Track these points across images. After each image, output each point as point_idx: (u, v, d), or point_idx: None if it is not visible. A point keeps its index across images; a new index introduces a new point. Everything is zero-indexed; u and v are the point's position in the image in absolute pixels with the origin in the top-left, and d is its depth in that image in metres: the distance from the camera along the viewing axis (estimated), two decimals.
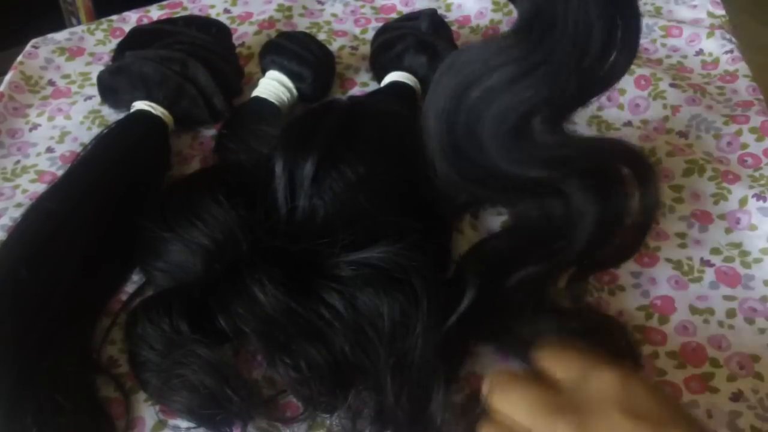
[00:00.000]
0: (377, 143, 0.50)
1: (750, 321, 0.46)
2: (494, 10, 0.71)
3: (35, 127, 0.62)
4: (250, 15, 0.73)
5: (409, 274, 0.41)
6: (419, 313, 0.40)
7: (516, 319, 0.43)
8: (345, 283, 0.42)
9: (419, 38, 0.60)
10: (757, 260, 0.50)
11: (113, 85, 0.59)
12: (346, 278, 0.42)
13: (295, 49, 0.59)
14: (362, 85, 0.65)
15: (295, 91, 0.59)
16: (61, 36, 0.71)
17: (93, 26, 0.72)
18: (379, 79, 0.62)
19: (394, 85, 0.59)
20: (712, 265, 0.49)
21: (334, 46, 0.68)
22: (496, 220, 0.53)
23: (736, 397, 0.43)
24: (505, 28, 0.70)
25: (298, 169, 0.47)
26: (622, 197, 0.40)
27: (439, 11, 0.72)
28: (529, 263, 0.43)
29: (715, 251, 0.50)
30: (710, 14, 0.69)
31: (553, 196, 0.42)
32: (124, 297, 0.49)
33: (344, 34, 0.70)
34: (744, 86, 0.62)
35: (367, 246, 0.43)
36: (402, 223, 0.45)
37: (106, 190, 0.52)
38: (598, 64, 0.37)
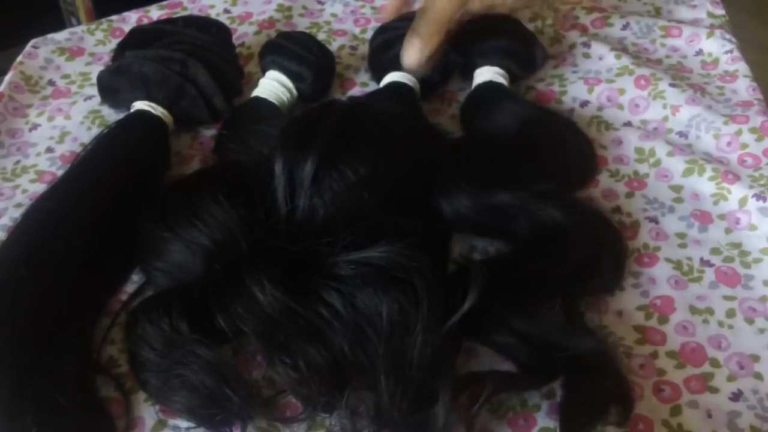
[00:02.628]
0: (378, 143, 0.50)
1: (750, 321, 0.46)
2: None
3: (35, 127, 0.62)
4: (250, 15, 0.73)
5: (409, 273, 0.42)
6: (419, 313, 0.40)
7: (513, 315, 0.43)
8: (345, 282, 0.42)
9: None
10: (757, 260, 0.50)
11: (113, 85, 0.60)
12: (346, 277, 0.42)
13: (295, 50, 0.59)
14: (362, 85, 0.65)
15: (295, 91, 0.59)
16: (61, 36, 0.71)
17: (93, 26, 0.72)
18: (378, 79, 0.62)
19: (394, 85, 0.59)
20: (711, 265, 0.49)
21: (333, 46, 0.68)
22: None
23: (736, 397, 0.43)
24: None
25: (298, 168, 0.47)
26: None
27: None
28: (527, 274, 0.45)
29: (715, 251, 0.50)
30: (710, 14, 0.69)
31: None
32: (124, 297, 0.49)
33: (344, 34, 0.70)
34: (744, 86, 0.62)
35: (368, 245, 0.43)
36: (402, 222, 0.45)
37: (106, 190, 0.52)
38: None
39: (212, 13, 0.73)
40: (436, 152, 0.53)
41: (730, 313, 0.47)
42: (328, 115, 0.51)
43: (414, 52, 0.52)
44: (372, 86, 0.64)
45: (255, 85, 0.60)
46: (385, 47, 0.61)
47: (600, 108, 0.61)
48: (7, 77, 0.66)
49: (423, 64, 0.54)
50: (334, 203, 0.46)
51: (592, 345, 0.42)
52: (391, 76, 0.60)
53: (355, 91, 0.64)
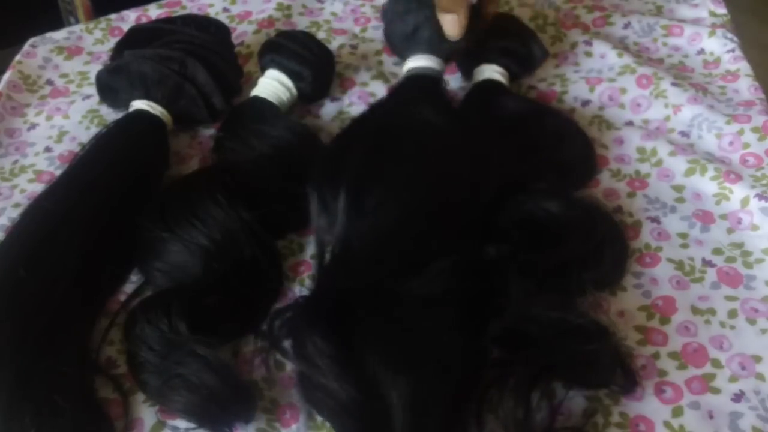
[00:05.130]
0: (413, 163, 0.49)
1: (751, 321, 0.46)
2: None
3: (33, 126, 0.62)
4: (249, 14, 0.72)
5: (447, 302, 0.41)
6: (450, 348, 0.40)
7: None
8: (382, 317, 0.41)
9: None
10: (759, 260, 0.49)
11: (112, 85, 0.59)
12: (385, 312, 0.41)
13: (294, 48, 0.59)
14: (362, 84, 0.64)
15: (294, 90, 0.59)
16: (59, 35, 0.70)
17: (91, 25, 0.72)
18: (398, 53, 0.61)
19: (419, 75, 0.56)
20: (713, 266, 0.49)
21: (333, 45, 0.68)
22: None
23: (738, 398, 0.42)
24: None
25: (332, 202, 0.47)
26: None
27: None
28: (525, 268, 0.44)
29: (717, 251, 0.50)
30: (712, 13, 0.69)
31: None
32: (122, 297, 0.48)
33: (344, 32, 0.70)
34: (746, 85, 0.62)
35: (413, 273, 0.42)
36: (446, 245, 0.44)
37: (105, 190, 0.52)
38: None
39: (211, 12, 0.73)
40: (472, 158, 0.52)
41: (732, 314, 0.46)
42: (355, 143, 0.50)
43: (454, 26, 0.54)
44: (372, 85, 0.64)
45: (254, 84, 0.60)
46: (404, 28, 0.58)
47: (601, 107, 0.61)
48: (6, 76, 0.65)
49: (463, 34, 0.55)
50: (372, 232, 0.46)
51: (589, 318, 0.43)
52: (416, 61, 0.57)
53: (355, 90, 0.64)
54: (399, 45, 0.60)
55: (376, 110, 0.57)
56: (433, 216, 0.47)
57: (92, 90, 0.63)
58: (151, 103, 0.57)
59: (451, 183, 0.49)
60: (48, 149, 0.60)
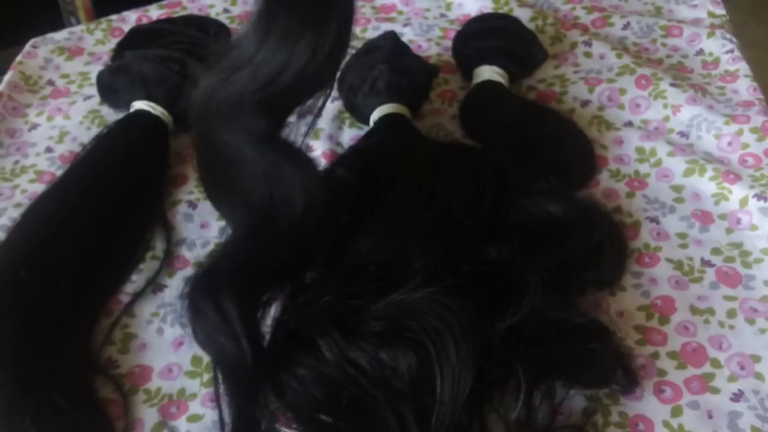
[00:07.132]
0: (399, 189, 0.49)
1: (750, 321, 0.46)
2: (494, 9, 0.70)
3: (34, 126, 0.62)
4: (249, 14, 0.72)
5: (427, 324, 0.40)
6: (447, 366, 0.39)
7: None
8: (368, 339, 0.41)
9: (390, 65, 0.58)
10: (758, 260, 0.49)
11: (112, 85, 0.59)
12: (369, 334, 0.41)
13: None
14: None
15: None
16: (60, 36, 0.70)
17: (92, 26, 0.72)
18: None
19: (384, 121, 0.57)
20: (712, 266, 0.49)
21: None
22: None
23: (737, 397, 0.42)
24: None
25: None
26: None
27: (439, 10, 0.72)
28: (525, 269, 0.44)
29: (716, 251, 0.50)
30: (711, 14, 0.69)
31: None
32: (123, 297, 0.49)
33: None
34: (745, 86, 0.62)
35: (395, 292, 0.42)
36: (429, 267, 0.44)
37: (106, 190, 0.52)
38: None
39: (212, 13, 0.73)
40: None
41: (731, 314, 0.46)
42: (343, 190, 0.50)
43: None
44: None
45: None
46: (364, 90, 0.57)
47: (601, 108, 0.61)
48: (7, 77, 0.65)
49: None
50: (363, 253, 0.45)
51: (590, 318, 0.43)
52: (381, 111, 0.57)
53: None
54: (364, 108, 0.58)
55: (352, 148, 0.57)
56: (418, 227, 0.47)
57: (93, 90, 0.63)
58: (152, 104, 0.57)
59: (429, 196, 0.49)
60: (49, 149, 0.60)
